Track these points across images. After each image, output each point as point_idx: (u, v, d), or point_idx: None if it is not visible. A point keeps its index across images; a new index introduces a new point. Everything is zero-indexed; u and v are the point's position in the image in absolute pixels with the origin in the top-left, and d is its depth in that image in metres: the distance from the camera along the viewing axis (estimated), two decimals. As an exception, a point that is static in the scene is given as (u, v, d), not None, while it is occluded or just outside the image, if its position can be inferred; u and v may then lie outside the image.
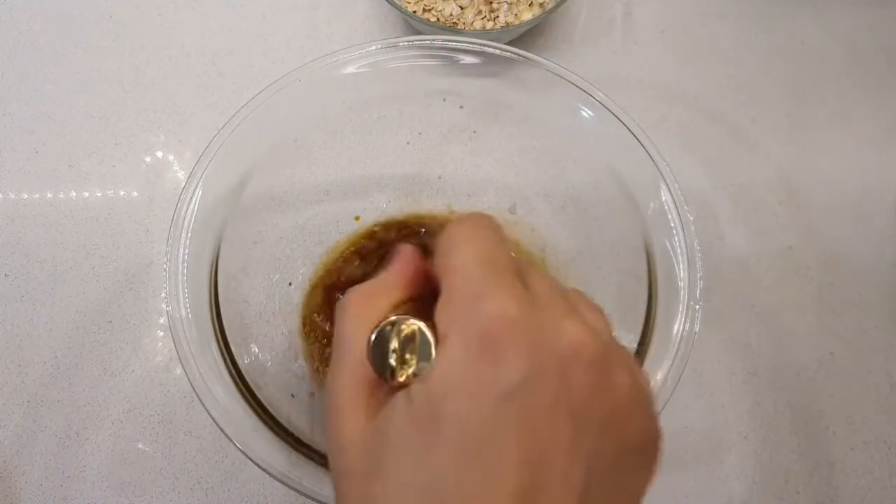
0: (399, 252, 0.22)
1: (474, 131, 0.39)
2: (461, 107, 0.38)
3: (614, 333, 0.20)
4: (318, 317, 0.37)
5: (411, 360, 0.18)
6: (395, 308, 0.20)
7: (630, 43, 0.48)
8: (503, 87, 0.35)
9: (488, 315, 0.17)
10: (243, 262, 0.34)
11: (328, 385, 0.20)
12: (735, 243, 0.42)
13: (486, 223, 0.21)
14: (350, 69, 0.34)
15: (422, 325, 0.18)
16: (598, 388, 0.18)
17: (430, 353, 0.18)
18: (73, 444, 0.37)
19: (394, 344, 0.18)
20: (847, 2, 0.50)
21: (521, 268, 0.20)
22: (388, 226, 0.40)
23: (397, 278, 0.21)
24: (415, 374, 0.18)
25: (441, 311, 0.18)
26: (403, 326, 0.18)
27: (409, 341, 0.18)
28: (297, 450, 0.27)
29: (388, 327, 0.19)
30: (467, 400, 0.16)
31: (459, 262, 0.19)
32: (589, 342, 0.17)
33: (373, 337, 0.19)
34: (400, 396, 0.18)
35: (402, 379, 0.18)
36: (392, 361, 0.18)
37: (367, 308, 0.20)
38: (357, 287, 0.21)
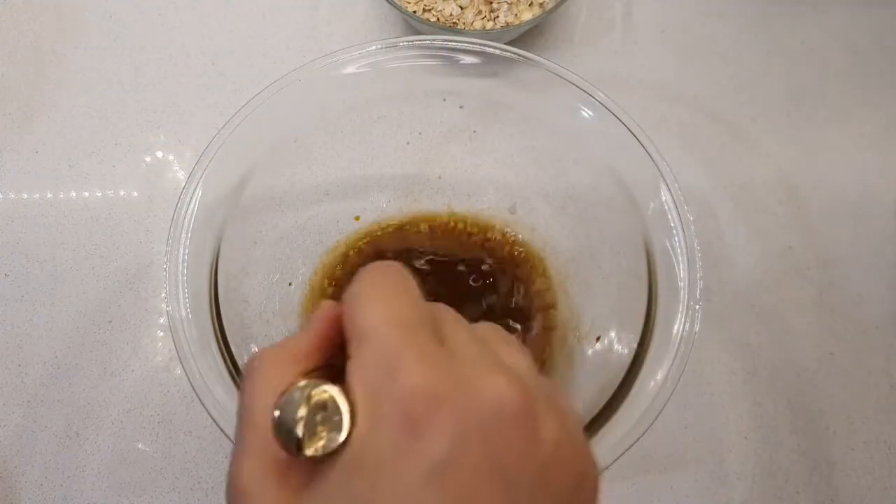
0: (319, 309, 0.20)
1: (474, 131, 0.39)
2: (461, 107, 0.38)
3: (535, 368, 0.19)
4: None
5: (322, 431, 0.16)
6: (309, 374, 0.18)
7: (630, 43, 0.48)
8: (503, 87, 0.35)
9: (405, 389, 0.16)
10: (243, 262, 0.34)
11: (231, 467, 0.18)
12: (735, 243, 0.42)
13: (393, 273, 0.19)
14: (350, 69, 0.34)
15: (335, 392, 0.16)
16: (525, 443, 0.17)
17: (343, 425, 0.16)
18: (73, 444, 0.37)
19: (301, 412, 0.16)
20: (847, 2, 0.50)
21: (435, 317, 0.19)
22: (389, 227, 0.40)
23: (312, 340, 0.19)
24: (325, 449, 0.16)
25: (355, 383, 0.17)
26: (314, 393, 0.16)
27: (319, 409, 0.16)
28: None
29: (297, 392, 0.16)
30: (391, 481, 0.15)
31: (370, 325, 0.17)
32: (511, 397, 0.16)
33: (276, 413, 0.16)
34: (319, 482, 0.16)
35: (309, 452, 0.16)
36: (299, 432, 0.16)
37: (274, 376, 0.18)
38: (265, 350, 0.19)
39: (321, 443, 0.16)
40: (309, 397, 0.16)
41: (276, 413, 0.16)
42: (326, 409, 0.16)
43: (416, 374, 0.16)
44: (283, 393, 0.17)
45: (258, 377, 0.18)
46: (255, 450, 0.17)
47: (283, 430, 0.16)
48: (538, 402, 0.17)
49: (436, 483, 0.15)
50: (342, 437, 0.16)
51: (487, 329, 0.20)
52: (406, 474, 0.15)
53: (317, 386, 0.16)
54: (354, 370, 0.17)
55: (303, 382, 0.17)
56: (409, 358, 0.16)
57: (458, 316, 0.20)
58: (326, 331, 0.19)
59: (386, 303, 0.18)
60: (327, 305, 0.20)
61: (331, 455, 0.16)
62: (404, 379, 0.16)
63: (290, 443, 0.16)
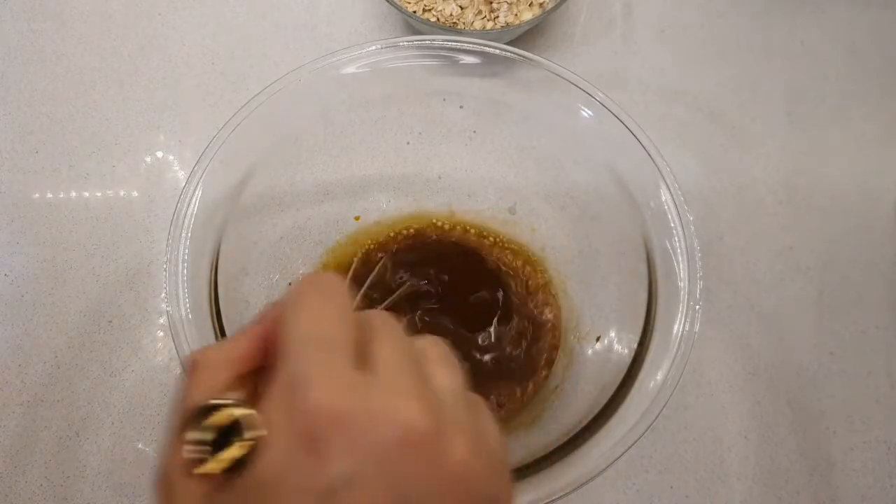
0: (261, 312, 0.20)
1: (474, 131, 0.39)
2: (461, 107, 0.38)
3: (465, 387, 0.19)
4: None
5: (232, 446, 0.16)
6: (243, 377, 0.19)
7: (630, 43, 0.48)
8: (503, 87, 0.35)
9: (309, 408, 0.16)
10: (243, 262, 0.34)
11: (160, 458, 0.18)
12: (735, 243, 0.42)
13: (326, 285, 0.19)
14: (350, 69, 0.34)
15: (243, 413, 0.17)
16: (428, 467, 0.17)
17: (247, 443, 0.17)
18: (73, 444, 0.37)
19: (203, 434, 0.17)
20: (847, 2, 0.50)
21: (364, 332, 0.19)
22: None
23: (250, 343, 0.20)
24: (228, 463, 0.16)
25: (268, 399, 0.17)
26: (219, 414, 0.17)
27: (231, 426, 0.17)
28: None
29: (208, 411, 0.17)
30: (287, 499, 0.16)
31: (289, 340, 0.18)
32: (417, 421, 0.17)
33: (188, 434, 0.17)
34: (227, 492, 0.17)
35: (204, 469, 0.17)
36: (193, 452, 0.17)
37: (209, 377, 0.19)
38: (205, 350, 0.19)
39: (229, 454, 0.16)
40: (213, 418, 0.17)
41: (188, 433, 0.17)
42: (239, 426, 0.17)
43: (320, 395, 0.16)
44: (201, 409, 0.17)
45: (194, 377, 0.19)
46: (175, 450, 0.18)
47: (192, 444, 0.17)
48: (449, 425, 0.18)
49: (331, 502, 0.15)
50: (241, 452, 0.16)
51: (426, 344, 0.20)
52: (302, 493, 0.16)
53: (224, 406, 0.17)
54: (270, 391, 0.17)
55: (213, 401, 0.17)
56: (318, 378, 0.16)
57: (395, 329, 0.20)
58: (265, 334, 0.20)
59: (309, 317, 0.18)
60: (268, 309, 0.20)
61: (239, 468, 0.16)
62: (309, 399, 0.16)
63: (196, 455, 0.17)
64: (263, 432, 0.16)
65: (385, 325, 0.20)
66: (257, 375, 0.19)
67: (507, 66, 0.34)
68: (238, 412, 0.17)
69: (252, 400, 0.18)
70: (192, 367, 0.19)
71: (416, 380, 0.18)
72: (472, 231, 0.40)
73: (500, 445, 0.20)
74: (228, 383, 0.19)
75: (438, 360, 0.20)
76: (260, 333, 0.20)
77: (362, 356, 0.18)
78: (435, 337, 0.21)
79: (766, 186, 0.44)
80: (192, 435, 0.17)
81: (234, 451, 0.16)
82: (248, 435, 0.16)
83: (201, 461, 0.17)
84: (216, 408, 0.17)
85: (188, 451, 0.17)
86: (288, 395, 0.17)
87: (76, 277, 0.41)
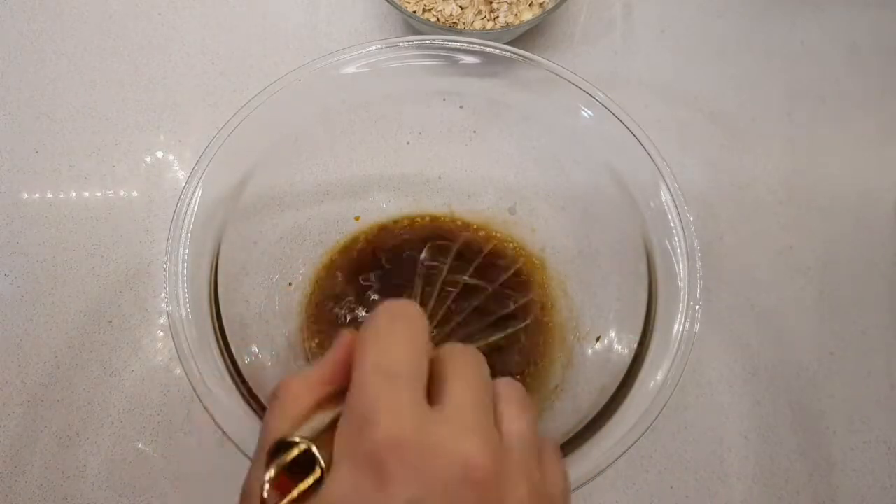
0: (339, 337, 0.21)
1: (474, 131, 0.39)
2: (461, 107, 0.38)
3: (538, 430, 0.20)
4: (318, 317, 0.37)
5: (301, 484, 0.17)
6: (324, 400, 0.20)
7: (630, 43, 0.48)
8: (503, 87, 0.35)
9: (375, 438, 0.17)
10: (243, 262, 0.34)
11: (247, 473, 0.19)
12: (735, 243, 0.42)
13: (403, 316, 0.20)
14: (350, 69, 0.34)
15: (314, 449, 0.18)
16: None
17: (321, 476, 0.17)
18: (73, 444, 0.37)
19: (271, 472, 0.18)
20: (847, 2, 0.50)
21: (445, 367, 0.19)
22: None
23: (329, 368, 0.20)
24: (299, 490, 0.17)
25: (339, 430, 0.18)
26: (295, 450, 0.18)
27: (301, 462, 0.18)
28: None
29: (284, 448, 0.18)
30: None
31: (360, 372, 0.18)
32: (479, 461, 0.17)
33: (269, 474, 0.18)
34: None
35: (286, 499, 0.17)
36: (266, 489, 0.17)
37: (290, 405, 0.19)
38: (286, 380, 0.20)
39: (300, 487, 0.17)
40: (287, 454, 0.18)
41: (270, 472, 0.18)
42: (311, 462, 0.18)
43: (388, 426, 0.17)
44: (274, 447, 0.18)
45: (275, 405, 0.20)
46: (263, 465, 0.18)
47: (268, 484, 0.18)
48: (512, 468, 0.18)
49: None
50: (311, 481, 0.17)
51: (502, 385, 0.20)
52: None
53: (302, 444, 0.18)
54: (342, 419, 0.18)
55: (295, 438, 0.18)
56: (385, 410, 0.17)
57: (473, 366, 0.20)
58: (343, 358, 0.20)
59: (383, 350, 0.19)
60: (346, 334, 0.21)
61: (309, 494, 0.17)
62: (377, 428, 0.17)
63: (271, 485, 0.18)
64: (324, 464, 0.17)
65: (463, 361, 0.20)
66: (342, 395, 0.20)
67: (507, 66, 0.34)
68: (306, 446, 0.18)
69: (333, 420, 0.19)
70: (276, 395, 0.20)
71: (483, 419, 0.18)
72: (475, 226, 0.40)
73: (564, 493, 0.20)
74: (307, 411, 0.19)
75: (512, 402, 0.20)
76: (336, 359, 0.20)
77: (435, 390, 0.19)
78: (511, 379, 0.21)
79: (766, 186, 0.44)
80: (270, 474, 0.18)
81: (303, 485, 0.17)
82: (319, 465, 0.17)
83: (276, 496, 0.17)
84: (288, 444, 0.18)
85: (266, 490, 0.17)
86: (356, 424, 0.17)
87: (76, 277, 0.41)
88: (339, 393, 0.20)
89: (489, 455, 0.17)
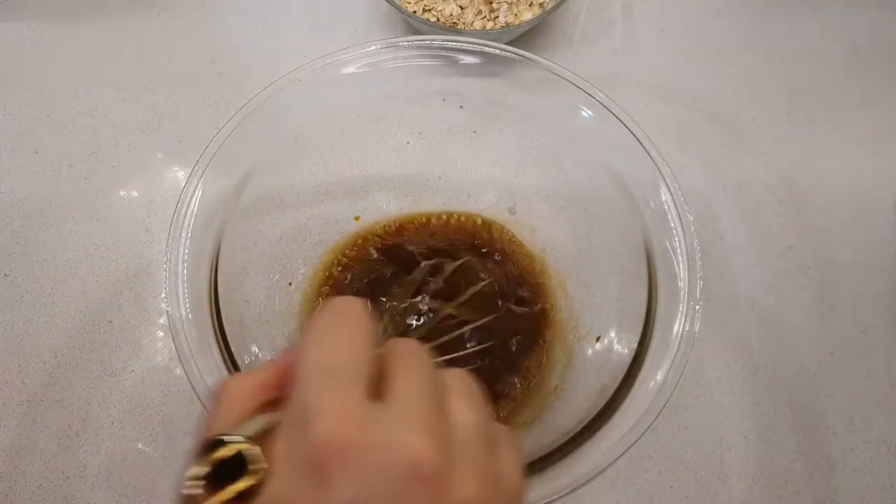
0: (292, 343, 0.20)
1: (474, 131, 0.39)
2: (461, 107, 0.38)
3: (489, 414, 0.19)
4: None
5: (232, 485, 0.17)
6: (265, 405, 0.19)
7: (630, 43, 0.48)
8: (503, 87, 0.35)
9: (316, 438, 0.16)
10: (243, 262, 0.34)
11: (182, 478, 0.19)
12: (735, 243, 0.42)
13: (346, 313, 0.19)
14: (350, 69, 0.34)
15: (244, 448, 0.17)
16: (430, 502, 0.17)
17: (253, 476, 0.17)
18: (73, 444, 0.37)
19: (196, 469, 0.17)
20: (847, 1, 0.50)
21: (389, 362, 0.19)
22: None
23: (273, 373, 0.20)
24: (230, 499, 0.17)
25: (281, 430, 0.17)
26: (227, 449, 0.17)
27: (241, 463, 0.17)
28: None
29: (217, 445, 0.17)
30: None
31: (303, 370, 0.18)
32: (427, 458, 0.16)
33: (194, 469, 0.17)
34: None
35: (222, 497, 0.17)
36: (193, 487, 0.17)
37: (232, 406, 0.19)
38: (228, 380, 0.20)
39: (234, 488, 0.17)
40: (225, 450, 0.17)
41: (191, 469, 0.17)
42: (244, 459, 0.17)
43: (326, 426, 0.16)
44: (209, 444, 0.17)
45: (217, 406, 0.19)
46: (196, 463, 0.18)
47: (193, 480, 0.17)
48: (460, 461, 0.17)
49: None
50: (247, 485, 0.17)
51: (450, 376, 0.20)
52: None
53: (235, 441, 0.17)
54: (284, 419, 0.18)
55: (226, 437, 0.17)
56: (325, 408, 0.17)
57: (418, 360, 0.20)
58: (289, 363, 0.20)
59: (325, 347, 0.18)
60: (297, 339, 0.20)
61: (248, 497, 0.17)
62: (316, 429, 0.16)
63: (206, 486, 0.17)
64: (265, 465, 0.17)
65: (408, 356, 0.20)
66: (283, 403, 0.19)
67: (507, 66, 0.34)
68: (241, 446, 0.17)
69: (275, 422, 0.18)
70: (215, 397, 0.19)
71: (430, 413, 0.18)
72: (478, 220, 0.40)
73: (518, 483, 0.20)
74: (248, 413, 0.19)
75: (460, 394, 0.19)
76: (282, 363, 0.20)
77: (380, 386, 0.18)
78: (461, 371, 0.21)
79: (766, 186, 0.44)
80: (194, 470, 0.17)
81: (238, 485, 0.17)
82: (251, 468, 0.17)
83: (203, 496, 0.17)
84: (223, 443, 0.17)
85: (188, 487, 0.17)
86: (296, 424, 0.17)
87: (76, 277, 0.41)
88: (284, 398, 0.19)
89: (436, 449, 0.17)
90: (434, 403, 0.18)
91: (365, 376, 0.18)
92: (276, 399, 0.19)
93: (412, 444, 0.17)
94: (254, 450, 0.17)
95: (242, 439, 0.17)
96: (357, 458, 0.16)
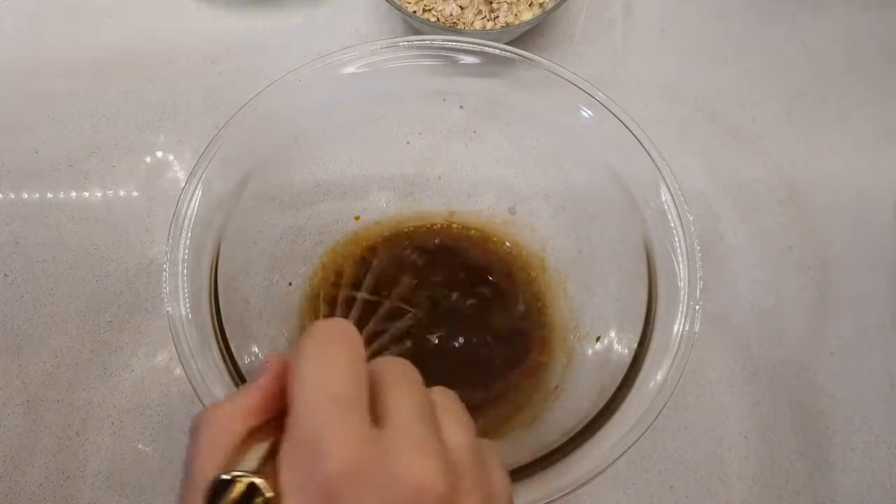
0: (268, 362, 0.20)
1: (474, 131, 0.39)
2: (461, 107, 0.38)
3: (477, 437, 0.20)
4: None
5: None
6: (254, 430, 0.19)
7: (630, 43, 0.48)
8: (503, 87, 0.35)
9: (326, 472, 0.16)
10: (243, 262, 0.34)
11: None
12: (735, 243, 0.42)
13: (336, 336, 0.19)
14: (350, 69, 0.34)
15: (260, 482, 0.17)
16: None
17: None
18: (73, 444, 0.37)
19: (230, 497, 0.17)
20: (847, 2, 0.50)
21: (380, 382, 0.19)
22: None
23: (260, 395, 0.19)
24: None
25: (284, 463, 0.17)
26: (239, 487, 0.17)
27: (252, 492, 0.17)
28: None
29: (227, 482, 0.17)
30: None
31: (302, 399, 0.18)
32: (431, 485, 0.17)
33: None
34: None
35: None
36: None
37: (219, 436, 0.18)
38: (212, 408, 0.19)
39: None
40: (232, 489, 0.17)
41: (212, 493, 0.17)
42: (258, 491, 0.17)
43: (337, 458, 0.16)
44: (215, 485, 0.17)
45: (202, 438, 0.18)
46: None
47: None
48: (462, 483, 0.18)
49: None
50: None
51: (438, 396, 0.20)
52: None
53: (244, 478, 0.17)
54: (285, 450, 0.17)
55: (237, 472, 0.17)
56: (334, 440, 0.17)
57: (407, 379, 0.20)
58: (274, 384, 0.19)
59: (321, 373, 0.18)
60: (274, 359, 0.20)
61: None
62: (326, 462, 0.16)
63: None
64: (271, 494, 0.17)
65: (398, 375, 0.20)
66: (273, 422, 0.19)
67: (507, 66, 0.34)
68: (252, 480, 0.17)
69: (270, 450, 0.18)
70: (202, 426, 0.19)
71: (428, 434, 0.18)
72: (473, 232, 0.40)
73: (509, 496, 0.20)
74: (239, 442, 0.18)
75: (451, 413, 0.20)
76: (266, 386, 0.19)
77: (376, 409, 0.18)
78: (443, 387, 0.21)
79: (766, 186, 0.44)
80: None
81: None
82: (258, 501, 0.17)
83: None
84: (231, 481, 0.17)
85: None
86: (303, 455, 0.17)
87: (76, 277, 0.41)
88: (270, 421, 0.19)
89: (441, 474, 0.17)
90: (430, 423, 0.19)
91: (365, 401, 0.18)
92: (264, 422, 0.19)
93: (418, 471, 0.17)
94: (265, 483, 0.17)
95: (251, 475, 0.17)
96: (367, 486, 0.16)
